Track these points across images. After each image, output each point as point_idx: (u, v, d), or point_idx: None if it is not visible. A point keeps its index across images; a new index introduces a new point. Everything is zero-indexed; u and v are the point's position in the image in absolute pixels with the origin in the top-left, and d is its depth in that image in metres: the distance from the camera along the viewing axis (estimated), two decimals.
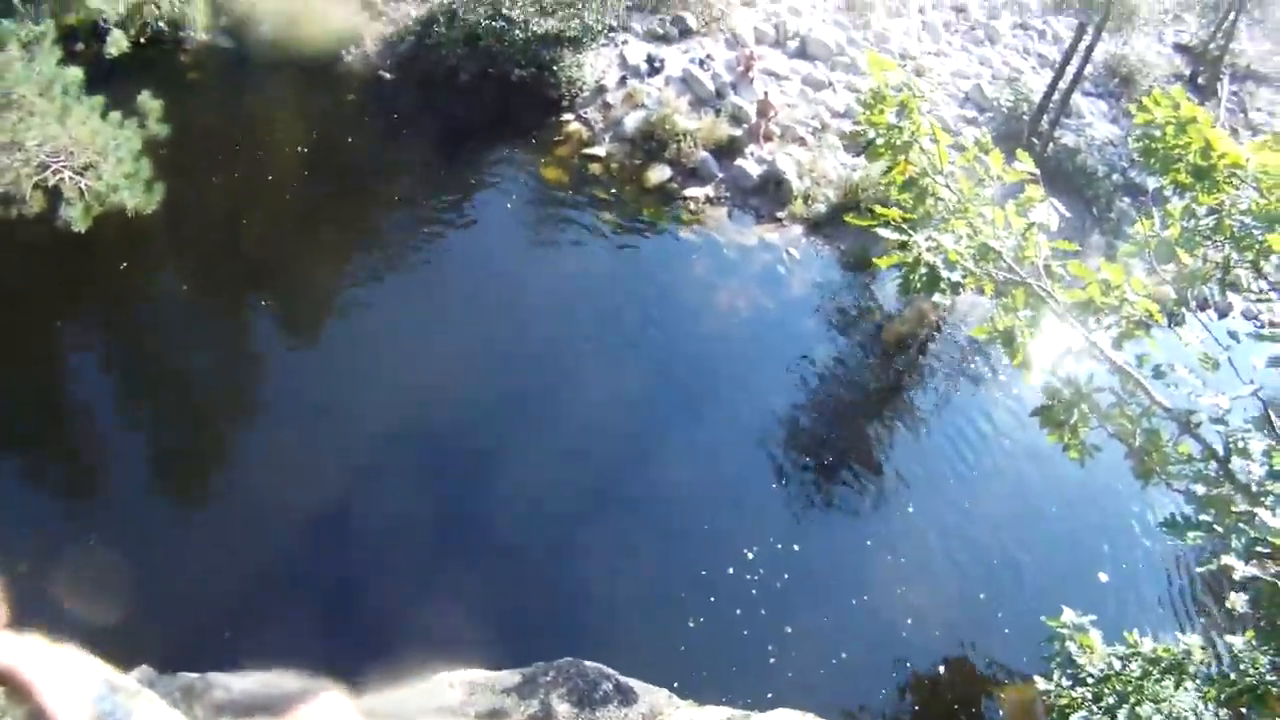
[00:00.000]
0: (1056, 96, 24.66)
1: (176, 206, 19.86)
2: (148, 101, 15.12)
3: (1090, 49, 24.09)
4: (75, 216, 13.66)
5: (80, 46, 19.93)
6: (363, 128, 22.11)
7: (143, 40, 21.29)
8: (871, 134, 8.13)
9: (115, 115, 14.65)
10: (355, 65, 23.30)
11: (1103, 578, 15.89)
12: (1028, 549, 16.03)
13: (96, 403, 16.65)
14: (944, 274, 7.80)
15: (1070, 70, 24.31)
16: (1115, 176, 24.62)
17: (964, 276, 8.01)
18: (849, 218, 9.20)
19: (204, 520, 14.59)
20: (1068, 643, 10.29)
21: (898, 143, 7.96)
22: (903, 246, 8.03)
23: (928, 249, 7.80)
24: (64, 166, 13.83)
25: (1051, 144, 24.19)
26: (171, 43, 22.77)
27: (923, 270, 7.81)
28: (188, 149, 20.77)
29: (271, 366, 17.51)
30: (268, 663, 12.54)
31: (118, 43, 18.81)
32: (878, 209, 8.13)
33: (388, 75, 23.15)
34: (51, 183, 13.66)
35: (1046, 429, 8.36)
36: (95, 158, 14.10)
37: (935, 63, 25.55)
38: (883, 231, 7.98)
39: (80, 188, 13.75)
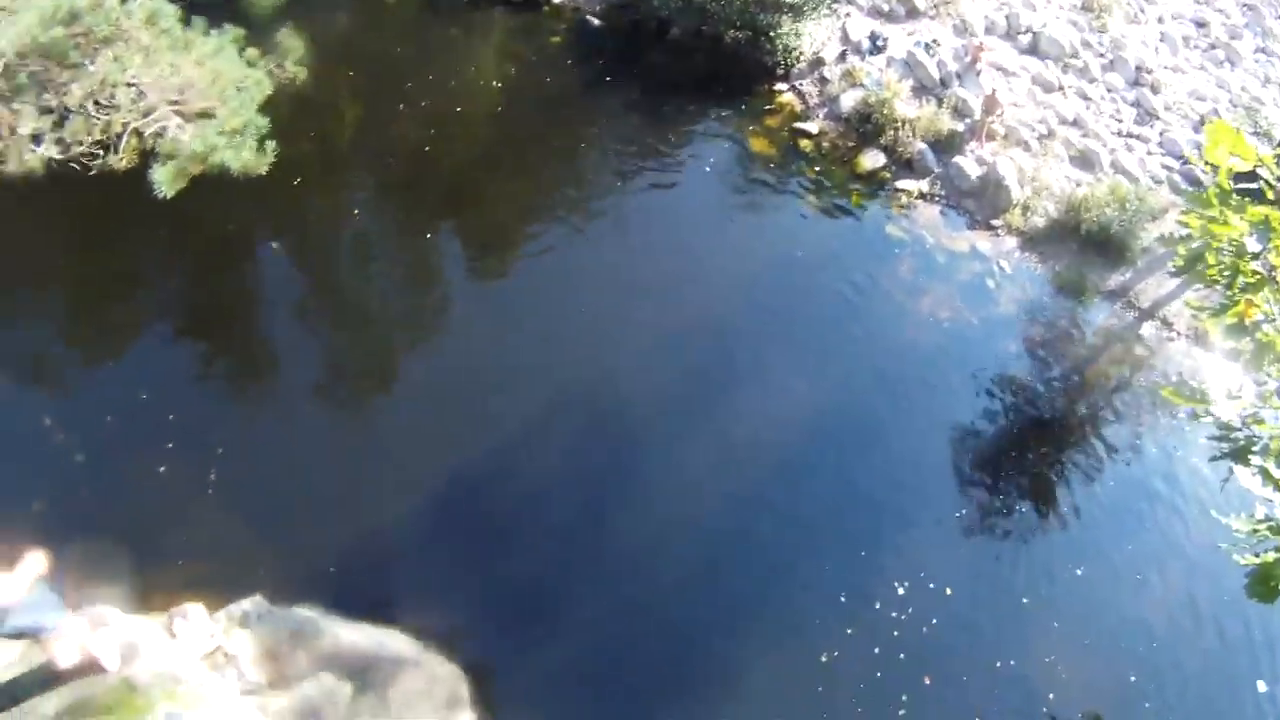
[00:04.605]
0: None
1: (360, 130, 19.58)
2: (288, 39, 13.45)
3: None
4: (163, 180, 11.37)
5: None
6: (565, 70, 21.12)
7: None
8: (1198, 243, 5.95)
9: (252, 52, 12.88)
10: (563, 6, 22.38)
11: (1261, 687, 14.01)
12: (1192, 638, 14.31)
13: (261, 314, 16.41)
14: None
15: None
16: None
17: None
18: (1168, 391, 6.90)
19: (349, 450, 14.06)
20: None
21: (1247, 276, 5.90)
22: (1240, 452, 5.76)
23: None
24: (174, 112, 11.69)
25: None
26: None
27: None
28: (378, 75, 20.38)
29: (442, 300, 16.97)
30: (385, 615, 12.12)
31: None
32: (1218, 415, 6.00)
33: (596, 21, 22.12)
34: (151, 130, 11.54)
35: None
36: (215, 103, 11.97)
37: (1171, 78, 23.39)
38: (1250, 485, 5.78)
39: (180, 142, 11.54)
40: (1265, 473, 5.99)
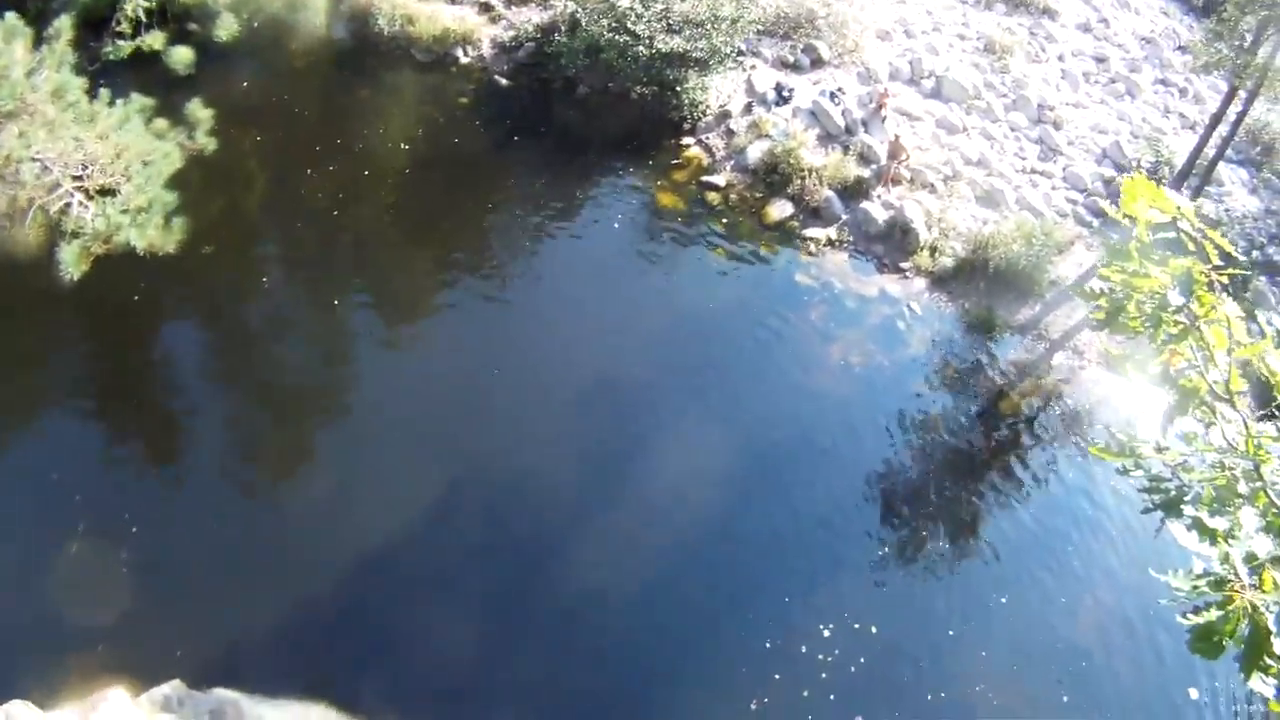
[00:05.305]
0: (1201, 161, 23.04)
1: (270, 197, 19.56)
2: (197, 110, 12.93)
3: (1242, 115, 22.46)
4: (69, 260, 11.08)
5: (193, 27, 19.55)
6: (472, 131, 21.30)
7: (256, 24, 20.76)
8: (1119, 295, 6.04)
9: (161, 123, 12.59)
10: (471, 67, 22.53)
11: (1193, 694, 14.19)
12: (1123, 653, 14.47)
13: (170, 388, 16.23)
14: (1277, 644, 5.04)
15: (1216, 136, 22.70)
16: (1255, 254, 22.89)
17: None
18: (1096, 449, 6.97)
19: (264, 523, 14.03)
20: None
21: (1170, 327, 5.90)
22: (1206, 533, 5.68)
23: (1266, 600, 5.03)
24: (78, 188, 11.36)
25: None
26: (285, 30, 22.18)
27: (1242, 626, 5.11)
28: (287, 140, 20.40)
29: (353, 369, 16.85)
30: (309, 691, 11.98)
31: (228, 27, 18.21)
32: (1148, 468, 5.86)
33: (503, 80, 22.32)
34: (56, 208, 11.23)
35: None
36: (118, 179, 11.71)
37: (1074, 114, 24.01)
38: (1185, 540, 5.71)
39: (84, 220, 11.26)
40: (1199, 524, 5.89)
